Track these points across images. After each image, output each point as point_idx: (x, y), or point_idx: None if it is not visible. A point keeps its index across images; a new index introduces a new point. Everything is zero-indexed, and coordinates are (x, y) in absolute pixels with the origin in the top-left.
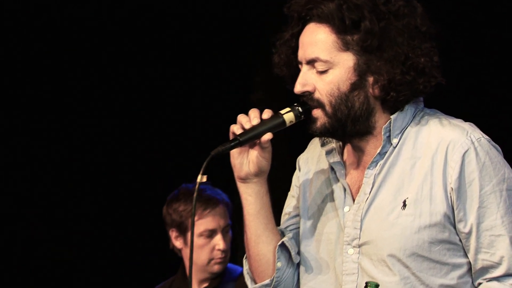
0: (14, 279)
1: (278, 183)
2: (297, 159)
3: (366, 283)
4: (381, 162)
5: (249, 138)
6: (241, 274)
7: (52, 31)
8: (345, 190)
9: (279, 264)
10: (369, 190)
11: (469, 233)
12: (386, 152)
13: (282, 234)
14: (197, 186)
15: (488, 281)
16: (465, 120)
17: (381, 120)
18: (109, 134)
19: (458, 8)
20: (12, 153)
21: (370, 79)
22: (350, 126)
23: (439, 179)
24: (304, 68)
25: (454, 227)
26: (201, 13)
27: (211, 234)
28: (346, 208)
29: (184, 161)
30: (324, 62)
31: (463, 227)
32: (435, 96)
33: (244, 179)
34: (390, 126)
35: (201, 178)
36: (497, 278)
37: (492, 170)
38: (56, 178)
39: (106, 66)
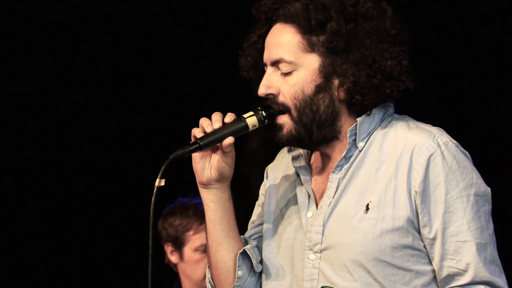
0: (14, 279)
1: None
2: (266, 168)
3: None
4: (346, 166)
5: (210, 142)
6: None
7: (52, 31)
8: (309, 195)
9: (240, 273)
10: (333, 194)
11: (434, 238)
12: (352, 156)
13: (246, 243)
14: (155, 190)
15: None
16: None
17: (346, 124)
18: (109, 134)
19: (433, 12)
20: (10, 153)
21: (336, 82)
22: (316, 132)
23: (403, 182)
24: (269, 70)
25: (418, 232)
26: (200, 12)
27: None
28: (309, 213)
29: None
30: (289, 63)
31: (428, 233)
32: (411, 102)
33: (206, 185)
34: (356, 129)
35: (159, 182)
36: (463, 286)
37: (459, 175)
38: (55, 178)
39: (106, 65)
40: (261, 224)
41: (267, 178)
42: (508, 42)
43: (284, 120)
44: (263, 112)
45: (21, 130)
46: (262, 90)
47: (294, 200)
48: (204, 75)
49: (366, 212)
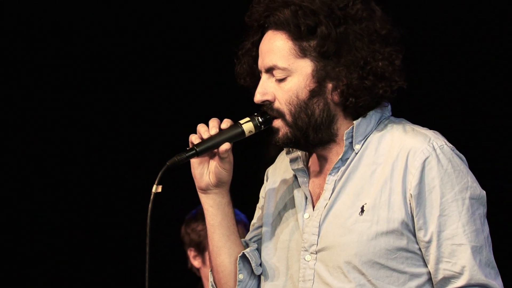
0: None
1: None
2: (266, 170)
3: None
4: (343, 168)
5: (207, 148)
6: None
7: (52, 31)
8: (306, 197)
9: (240, 276)
10: (329, 196)
11: (430, 241)
12: (348, 158)
13: (247, 246)
14: (151, 196)
15: None
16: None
17: (343, 127)
18: (107, 141)
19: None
20: (10, 153)
21: (329, 85)
22: (312, 135)
23: (399, 185)
24: (264, 77)
25: (413, 235)
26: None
27: None
28: (306, 215)
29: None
30: (282, 69)
31: (423, 236)
32: (408, 103)
33: (205, 190)
34: (352, 131)
35: (156, 189)
36: None
37: (454, 178)
38: (54, 186)
39: (106, 70)
40: (261, 226)
41: (267, 181)
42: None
43: (279, 124)
44: (259, 118)
45: (23, 132)
46: (258, 97)
47: (291, 202)
48: (202, 80)
49: (361, 214)
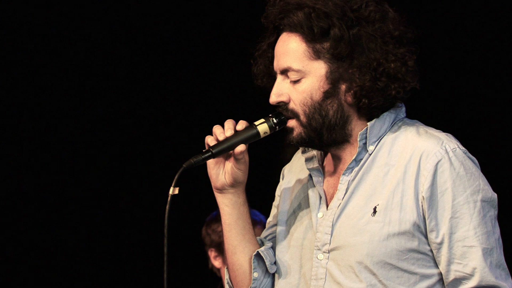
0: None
1: None
2: (282, 169)
3: None
4: (356, 168)
5: (222, 150)
6: None
7: (52, 31)
8: (320, 196)
9: (255, 274)
10: (342, 196)
11: (441, 243)
12: (362, 159)
13: (262, 244)
14: (168, 198)
15: None
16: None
17: (357, 128)
18: (124, 144)
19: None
20: (12, 154)
21: (343, 87)
22: (326, 135)
23: (411, 187)
24: (279, 78)
25: (425, 236)
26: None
27: None
28: (320, 214)
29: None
30: (296, 71)
31: (435, 237)
32: (422, 105)
33: (221, 190)
34: (366, 132)
35: (173, 191)
36: None
37: (466, 181)
38: (70, 187)
39: (122, 74)
40: (276, 224)
41: (282, 179)
42: None
43: (294, 124)
44: (274, 119)
45: (41, 135)
46: (273, 98)
47: (306, 201)
48: (219, 82)
49: (373, 215)
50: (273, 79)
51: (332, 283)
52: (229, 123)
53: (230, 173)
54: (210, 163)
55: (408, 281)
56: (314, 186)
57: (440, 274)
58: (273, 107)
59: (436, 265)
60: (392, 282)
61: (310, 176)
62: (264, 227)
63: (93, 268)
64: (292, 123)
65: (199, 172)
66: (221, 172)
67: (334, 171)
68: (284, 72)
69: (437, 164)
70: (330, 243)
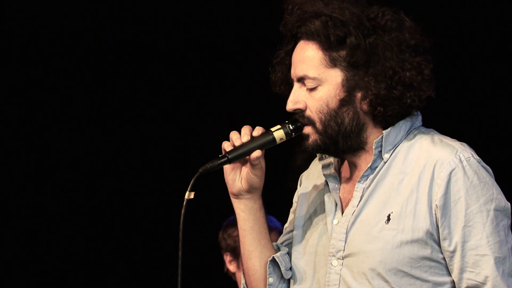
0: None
1: None
2: (300, 176)
3: None
4: (371, 176)
5: (238, 156)
6: None
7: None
8: (336, 203)
9: (270, 280)
10: (357, 203)
11: (454, 251)
12: (377, 167)
13: (278, 250)
14: (184, 202)
15: None
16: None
17: (373, 135)
18: (144, 141)
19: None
20: (15, 153)
21: (358, 95)
22: (342, 142)
23: (424, 196)
24: (296, 86)
25: (438, 244)
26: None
27: None
28: (335, 221)
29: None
30: (313, 79)
31: (447, 245)
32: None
33: (237, 195)
34: (381, 141)
35: (189, 195)
36: None
37: (480, 190)
38: (89, 190)
39: (139, 81)
40: (293, 230)
41: (300, 186)
42: None
43: (309, 130)
44: (290, 125)
45: (57, 141)
46: (290, 106)
47: (322, 207)
48: (237, 88)
49: (387, 223)
50: (291, 86)
51: None
52: (245, 129)
53: (246, 179)
54: (227, 168)
55: None
56: (330, 192)
57: (453, 282)
58: (290, 114)
59: (449, 273)
60: None
61: (326, 182)
62: (280, 233)
63: (109, 272)
64: (308, 130)
65: (217, 177)
66: (237, 178)
67: (350, 178)
68: (301, 79)
69: (451, 173)
70: (344, 250)
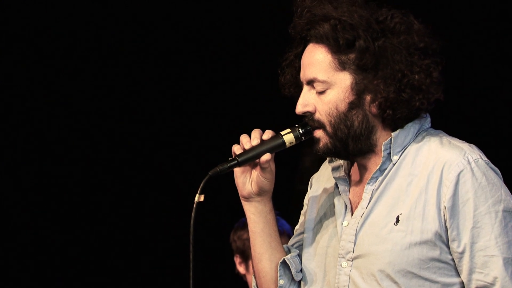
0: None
1: None
2: (311, 178)
3: None
4: (380, 178)
5: (248, 159)
6: None
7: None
8: (346, 205)
9: (281, 282)
10: (366, 205)
11: (463, 252)
12: (386, 169)
13: (289, 251)
14: (194, 205)
15: None
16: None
17: (382, 138)
18: (154, 144)
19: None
20: (18, 153)
21: (368, 98)
22: (352, 145)
23: (433, 197)
24: (305, 89)
25: (447, 246)
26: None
27: None
28: (345, 223)
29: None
30: (322, 82)
31: (456, 247)
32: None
33: (247, 198)
34: (390, 143)
35: (199, 198)
36: None
37: (488, 191)
38: (97, 194)
39: (112, 67)
40: (303, 232)
41: (310, 188)
42: None
43: (320, 134)
44: (300, 129)
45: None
46: (299, 109)
47: (332, 210)
48: (247, 91)
49: (396, 224)
50: (300, 89)
51: None
52: (255, 133)
53: (256, 182)
54: (237, 171)
55: None
56: (340, 194)
57: (462, 283)
58: (299, 117)
59: (458, 274)
60: None
61: (336, 185)
62: (289, 237)
63: (119, 274)
64: (318, 133)
65: (227, 180)
66: (247, 181)
67: (360, 180)
68: (310, 82)
69: (459, 174)
70: (353, 251)
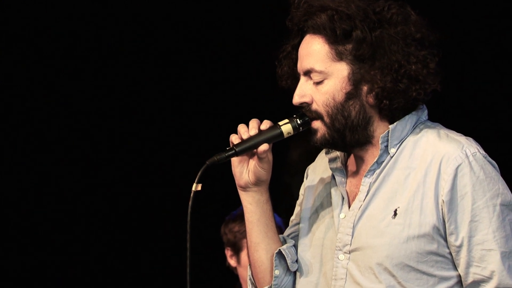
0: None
1: None
2: (307, 168)
3: None
4: (378, 170)
5: (245, 149)
6: None
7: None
8: (343, 197)
9: (276, 272)
10: (364, 198)
11: (460, 246)
12: (383, 161)
13: (284, 242)
14: (191, 194)
15: None
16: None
17: (379, 129)
18: (148, 140)
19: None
20: (18, 153)
21: (364, 88)
22: (349, 136)
23: (431, 191)
24: (302, 80)
25: (444, 239)
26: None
27: None
28: (342, 215)
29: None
30: (319, 72)
31: (454, 240)
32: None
33: (244, 188)
34: (388, 135)
35: (196, 187)
36: None
37: (486, 185)
38: (95, 183)
39: (150, 71)
40: (299, 223)
41: (306, 178)
42: None
43: (318, 125)
44: (298, 119)
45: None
46: (296, 99)
47: (328, 201)
48: (245, 81)
49: (394, 218)
50: (297, 80)
51: (352, 284)
52: (253, 122)
53: (254, 172)
54: (234, 161)
55: (427, 283)
56: (337, 186)
57: (459, 276)
58: (296, 108)
59: (455, 268)
60: (411, 284)
61: (333, 176)
62: (280, 230)
63: (115, 264)
64: (316, 124)
65: (225, 169)
66: (244, 171)
67: (357, 172)
68: (307, 73)
69: (457, 168)
70: (350, 244)
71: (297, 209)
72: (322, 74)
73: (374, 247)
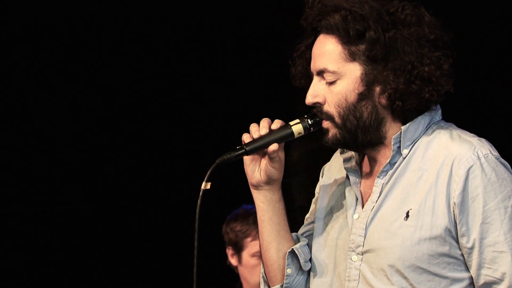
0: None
1: None
2: (322, 167)
3: None
4: (390, 172)
5: (255, 148)
6: None
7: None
8: (356, 198)
9: (288, 271)
10: (376, 199)
11: (472, 248)
12: (396, 162)
13: (298, 241)
14: (201, 193)
15: None
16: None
17: (392, 130)
18: (159, 138)
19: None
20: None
21: (377, 89)
22: (361, 137)
23: (443, 193)
24: (315, 79)
25: (456, 241)
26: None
27: None
28: (356, 216)
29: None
30: (332, 73)
31: (465, 242)
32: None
33: (256, 186)
34: (400, 136)
35: (205, 186)
36: None
37: (498, 187)
38: (106, 182)
39: (159, 71)
40: (313, 222)
41: (322, 177)
42: None
43: (329, 125)
44: (309, 120)
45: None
46: (309, 99)
47: (343, 200)
48: (258, 81)
49: (406, 219)
50: (311, 80)
51: (365, 285)
52: (264, 122)
53: (265, 171)
54: (247, 159)
55: (439, 284)
56: (351, 186)
57: (471, 278)
58: (308, 108)
59: (467, 269)
60: (423, 285)
61: (347, 175)
62: None
63: (125, 260)
64: (327, 124)
65: (237, 168)
66: (256, 169)
67: (370, 173)
68: (320, 73)
69: (468, 170)
70: (363, 246)
71: (312, 207)
72: (335, 74)
73: (386, 249)
